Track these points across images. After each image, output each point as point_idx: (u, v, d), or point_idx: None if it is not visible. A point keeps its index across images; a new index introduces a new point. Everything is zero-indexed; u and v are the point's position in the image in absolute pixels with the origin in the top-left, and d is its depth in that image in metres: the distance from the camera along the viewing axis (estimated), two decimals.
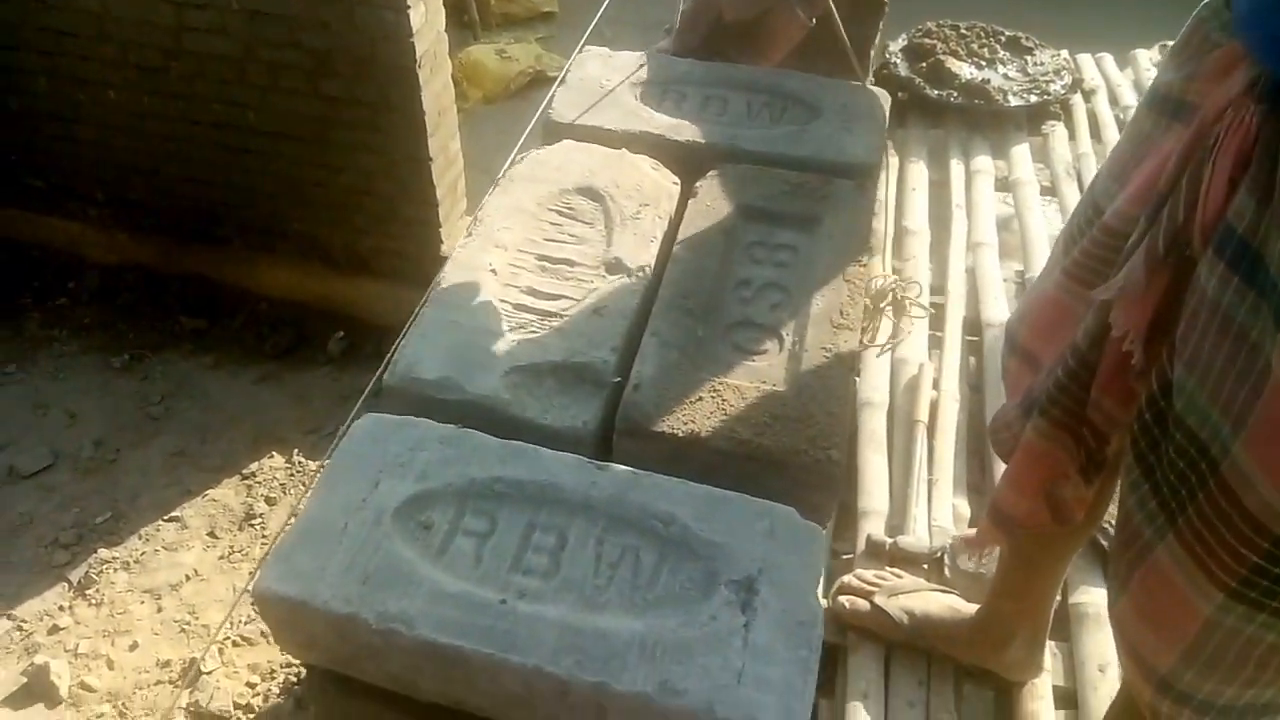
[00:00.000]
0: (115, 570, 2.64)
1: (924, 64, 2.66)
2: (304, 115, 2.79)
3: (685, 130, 1.44)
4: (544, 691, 0.87)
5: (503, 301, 1.17)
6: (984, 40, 2.76)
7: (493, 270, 1.20)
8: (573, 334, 1.14)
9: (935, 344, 2.00)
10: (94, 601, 2.57)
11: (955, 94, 2.58)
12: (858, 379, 1.89)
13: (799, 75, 1.55)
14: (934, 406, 1.84)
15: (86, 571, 2.64)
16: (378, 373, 1.09)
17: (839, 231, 1.28)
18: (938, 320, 2.04)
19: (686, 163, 1.41)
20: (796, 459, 1.02)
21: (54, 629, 2.48)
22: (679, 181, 1.38)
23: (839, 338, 1.15)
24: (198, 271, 3.30)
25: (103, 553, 2.68)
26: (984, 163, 2.51)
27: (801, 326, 1.17)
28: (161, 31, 2.83)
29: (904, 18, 2.67)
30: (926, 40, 2.72)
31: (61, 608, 2.53)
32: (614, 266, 1.22)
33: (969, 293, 2.12)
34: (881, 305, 1.86)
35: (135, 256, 3.31)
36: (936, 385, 1.88)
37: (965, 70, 2.66)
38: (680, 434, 1.04)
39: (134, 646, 2.46)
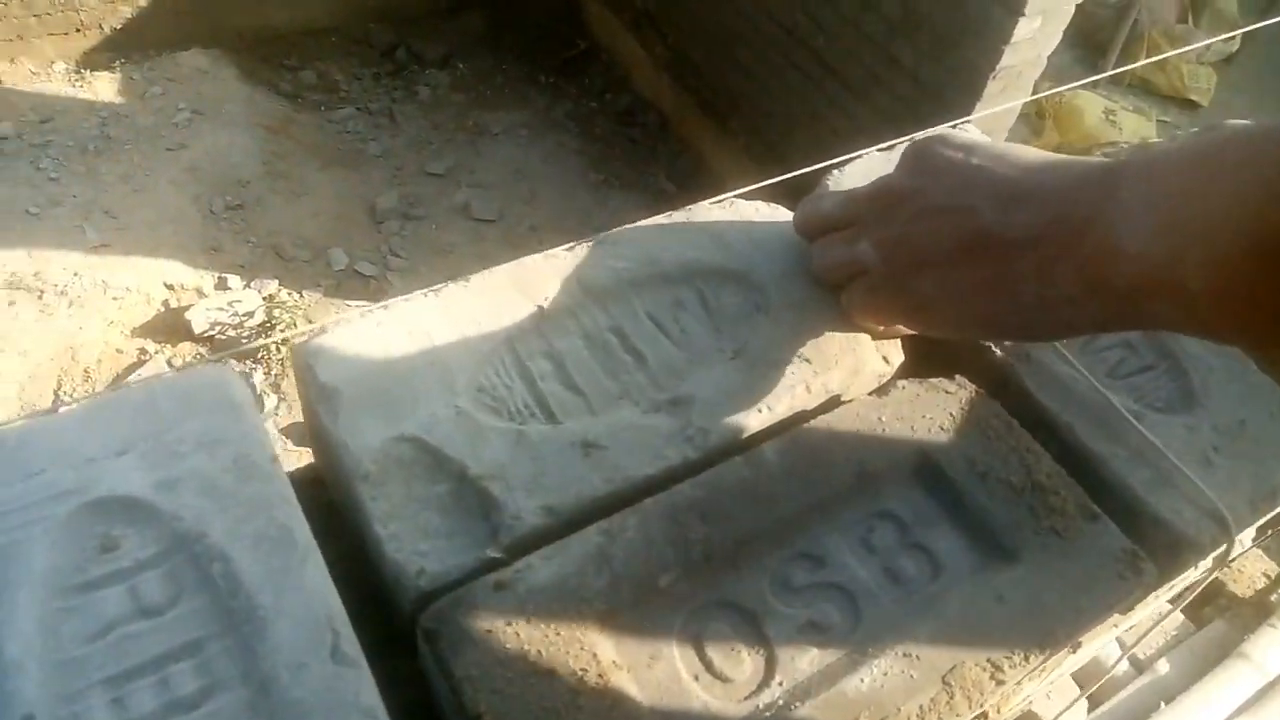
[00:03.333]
0: None
1: None
2: (861, 63, 2.68)
3: None
4: None
5: (512, 352, 0.82)
6: None
7: (541, 306, 0.85)
8: (531, 453, 0.76)
9: None
10: None
11: None
12: None
13: (1198, 349, 0.91)
14: None
15: None
16: (317, 327, 0.83)
17: (1030, 595, 0.72)
18: None
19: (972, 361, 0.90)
20: None
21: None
22: (899, 364, 0.87)
23: None
24: (695, 144, 3.42)
25: None
26: None
27: (806, 686, 0.67)
28: None
29: None
30: None
31: None
32: (675, 406, 0.80)
33: None
34: None
35: (661, 102, 3.51)
36: None
37: None
38: (459, 680, 0.64)
39: None
